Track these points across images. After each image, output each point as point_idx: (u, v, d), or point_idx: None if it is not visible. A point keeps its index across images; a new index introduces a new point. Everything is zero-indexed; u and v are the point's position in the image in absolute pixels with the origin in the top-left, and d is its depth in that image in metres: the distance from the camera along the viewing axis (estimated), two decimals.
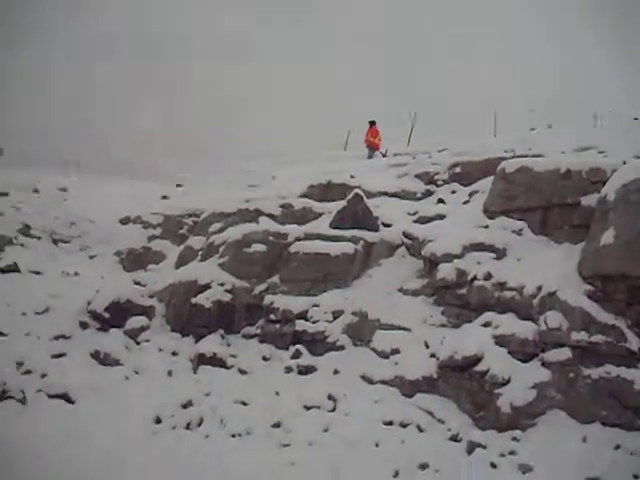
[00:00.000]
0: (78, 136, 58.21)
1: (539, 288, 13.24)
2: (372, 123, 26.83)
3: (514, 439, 11.59)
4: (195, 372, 14.61)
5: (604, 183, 13.55)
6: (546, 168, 15.25)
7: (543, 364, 12.36)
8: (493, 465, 11.09)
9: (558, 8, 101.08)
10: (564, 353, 12.16)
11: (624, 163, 14.18)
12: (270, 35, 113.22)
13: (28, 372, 13.53)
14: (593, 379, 11.78)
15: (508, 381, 12.30)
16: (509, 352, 12.74)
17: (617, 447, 10.92)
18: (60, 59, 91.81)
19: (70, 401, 12.98)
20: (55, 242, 20.95)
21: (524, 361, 12.59)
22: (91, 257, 20.77)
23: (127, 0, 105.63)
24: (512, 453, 11.27)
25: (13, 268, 18.12)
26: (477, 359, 12.76)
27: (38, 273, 18.47)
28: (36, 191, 23.57)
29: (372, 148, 26.44)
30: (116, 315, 15.92)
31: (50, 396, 12.97)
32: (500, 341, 12.91)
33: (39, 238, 20.62)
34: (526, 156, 17.92)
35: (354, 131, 31.41)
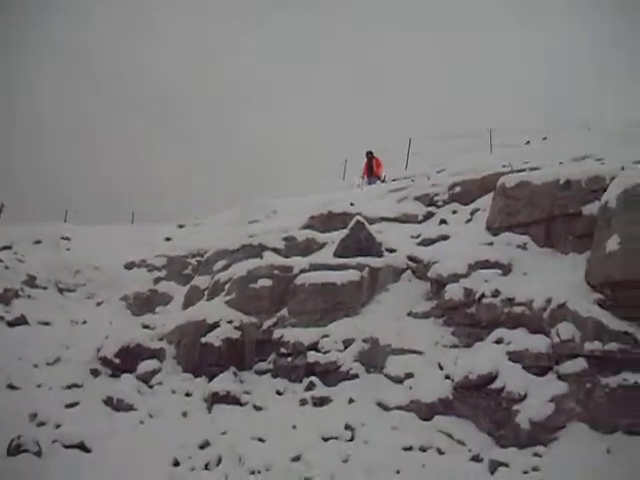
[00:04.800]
0: (78, 184, 58.72)
1: (548, 301, 13.17)
2: (370, 154, 26.42)
3: (536, 455, 11.43)
4: (210, 411, 14.51)
5: (604, 190, 13.54)
6: (545, 180, 15.29)
7: (559, 377, 12.25)
8: None
9: (546, 16, 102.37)
10: (579, 364, 12.05)
11: (622, 169, 14.20)
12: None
13: (42, 424, 13.42)
14: (611, 388, 11.63)
15: (525, 397, 12.19)
16: (524, 367, 12.65)
17: None
18: (62, 106, 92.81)
19: (86, 450, 12.85)
20: (61, 291, 20.95)
21: (539, 375, 12.49)
22: (98, 304, 20.74)
23: (138, 46, 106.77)
24: (535, 469, 11.10)
25: (21, 320, 18.12)
26: (492, 377, 12.68)
27: (47, 324, 18.46)
28: (39, 242, 23.59)
29: (373, 178, 26.11)
30: (127, 360, 15.86)
31: (66, 446, 12.84)
32: (514, 357, 12.84)
33: (45, 288, 20.63)
34: (524, 170, 17.95)
35: (351, 159, 31.51)
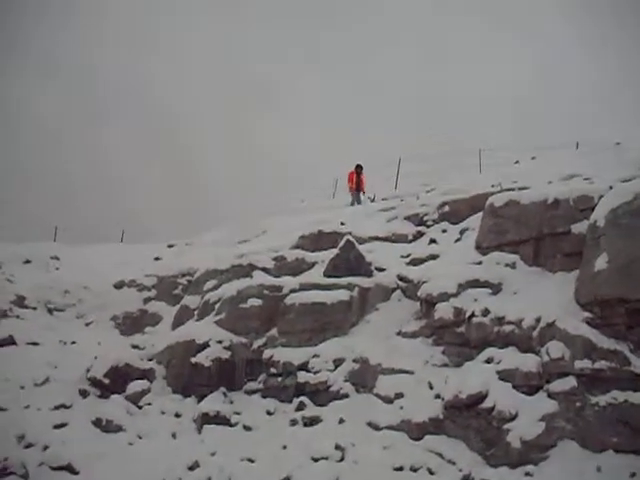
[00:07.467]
0: (66, 204, 58.44)
1: (538, 319, 13.20)
2: (359, 167, 26.30)
3: (527, 474, 11.43)
4: (200, 432, 14.42)
5: (592, 209, 13.66)
6: (533, 199, 15.36)
7: (549, 395, 12.26)
8: None
9: (535, 32, 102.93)
10: (569, 382, 12.08)
11: (610, 188, 14.29)
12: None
13: (30, 445, 13.31)
14: (601, 406, 11.67)
15: (515, 416, 12.18)
16: (514, 386, 12.64)
17: (633, 474, 10.77)
18: (43, 125, 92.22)
19: (74, 472, 12.77)
20: (50, 311, 20.81)
21: (530, 394, 12.49)
22: (87, 324, 20.63)
23: (128, 60, 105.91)
24: None
25: (9, 341, 17.96)
26: (482, 396, 12.66)
27: (35, 344, 18.29)
28: (28, 262, 23.47)
29: (358, 192, 26.10)
30: (116, 380, 15.77)
31: (53, 468, 12.77)
32: (504, 376, 12.83)
33: (34, 309, 20.49)
34: (513, 189, 18.03)
35: (342, 178, 31.54)
